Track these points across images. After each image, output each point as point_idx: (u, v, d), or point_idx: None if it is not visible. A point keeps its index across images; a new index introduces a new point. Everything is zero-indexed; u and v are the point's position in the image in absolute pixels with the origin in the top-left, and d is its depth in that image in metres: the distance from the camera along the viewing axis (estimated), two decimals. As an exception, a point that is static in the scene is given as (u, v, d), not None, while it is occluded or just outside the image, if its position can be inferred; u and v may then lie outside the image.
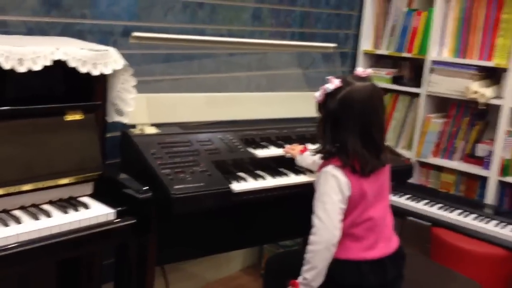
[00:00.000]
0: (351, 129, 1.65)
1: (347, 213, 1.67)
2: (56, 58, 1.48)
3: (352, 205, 1.67)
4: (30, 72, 1.43)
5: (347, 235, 1.67)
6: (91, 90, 1.63)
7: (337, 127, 1.67)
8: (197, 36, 2.15)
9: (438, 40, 3.09)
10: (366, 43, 3.39)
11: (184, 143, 1.89)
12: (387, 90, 3.33)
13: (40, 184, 1.50)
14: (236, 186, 1.80)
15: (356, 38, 3.40)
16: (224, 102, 2.18)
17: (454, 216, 2.78)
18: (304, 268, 1.65)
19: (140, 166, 1.78)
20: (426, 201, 2.93)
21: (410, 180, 3.18)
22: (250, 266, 2.99)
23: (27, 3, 1.85)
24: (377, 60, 3.47)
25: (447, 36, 3.08)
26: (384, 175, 1.77)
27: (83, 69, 1.53)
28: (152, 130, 1.93)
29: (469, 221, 2.72)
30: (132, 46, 2.05)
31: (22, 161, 1.46)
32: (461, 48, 3.03)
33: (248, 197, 1.81)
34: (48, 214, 1.43)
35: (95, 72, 1.56)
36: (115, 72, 1.65)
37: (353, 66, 3.41)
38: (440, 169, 3.17)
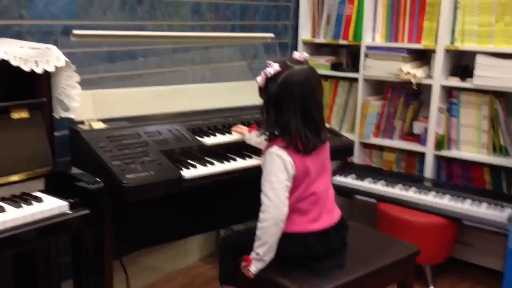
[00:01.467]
0: (292, 110, 1.74)
1: (292, 190, 1.76)
2: (-1, 57, 1.50)
3: (297, 182, 1.77)
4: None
5: (294, 210, 1.77)
6: (36, 88, 1.65)
7: (280, 110, 1.76)
8: (137, 32, 2.20)
9: (371, 27, 3.25)
10: (304, 33, 3.51)
11: (132, 136, 1.94)
12: (327, 77, 3.47)
13: (-6, 181, 1.52)
14: (187, 173, 1.87)
15: (295, 28, 3.52)
16: (169, 94, 2.24)
17: (396, 191, 2.94)
18: (256, 244, 1.74)
19: (90, 160, 1.82)
20: (370, 179, 3.09)
21: (355, 161, 3.35)
22: (208, 255, 3.06)
23: (-37, 6, 1.85)
24: (317, 49, 3.61)
25: (378, 22, 3.24)
26: (324, 152, 1.88)
27: (25, 67, 1.56)
28: (100, 125, 1.97)
29: (410, 194, 2.90)
30: (73, 44, 2.08)
31: (-30, 161, 1.48)
32: (392, 32, 3.20)
33: (198, 182, 1.88)
34: (1, 209, 1.46)
35: (38, 70, 1.59)
36: (58, 69, 1.68)
37: (294, 56, 3.52)
38: (381, 148, 3.34)
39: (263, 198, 1.73)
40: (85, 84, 2.06)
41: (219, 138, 2.12)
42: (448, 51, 2.98)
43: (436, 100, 3.03)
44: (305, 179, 1.78)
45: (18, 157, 1.58)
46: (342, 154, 2.43)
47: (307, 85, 1.78)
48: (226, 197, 2.33)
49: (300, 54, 1.86)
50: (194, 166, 1.93)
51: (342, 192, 3.13)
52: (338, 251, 1.83)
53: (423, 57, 3.18)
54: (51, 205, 1.52)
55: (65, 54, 1.78)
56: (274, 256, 1.75)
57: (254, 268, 1.74)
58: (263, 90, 1.81)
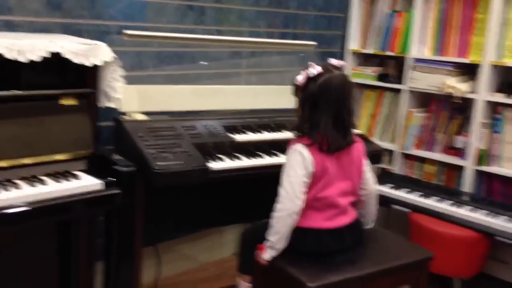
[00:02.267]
0: (326, 110, 1.87)
1: (310, 187, 1.87)
2: (52, 50, 1.73)
3: (315, 180, 1.88)
4: (33, 63, 1.69)
5: (310, 206, 1.88)
6: (86, 79, 1.87)
7: (314, 108, 1.87)
8: (181, 34, 2.39)
9: (419, 39, 3.28)
10: (353, 43, 3.60)
11: (169, 128, 2.12)
12: (373, 87, 3.54)
13: (38, 159, 1.74)
14: (214, 165, 2.03)
15: (343, 38, 3.61)
16: (209, 93, 2.41)
17: (431, 202, 2.96)
18: (269, 232, 1.86)
19: (129, 147, 2.02)
20: (406, 189, 3.12)
21: (395, 171, 3.39)
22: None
23: (32, 5, 2.11)
24: (365, 59, 3.68)
25: (427, 35, 3.28)
26: (349, 157, 1.96)
27: (76, 60, 1.78)
28: (141, 117, 2.17)
29: (444, 206, 2.90)
30: (126, 43, 2.30)
31: (23, 139, 1.71)
32: (440, 46, 3.22)
33: (224, 175, 2.04)
34: (43, 183, 1.68)
35: (87, 63, 1.81)
36: (105, 64, 1.89)
37: (342, 64, 3.61)
38: (423, 160, 3.35)
39: (280, 190, 1.84)
40: (134, 80, 2.29)
41: (250, 136, 2.27)
42: (495, 66, 2.98)
43: (479, 114, 3.03)
44: (323, 178, 1.88)
45: (64, 139, 1.80)
46: (370, 159, 2.50)
47: (343, 90, 1.90)
48: (260, 192, 2.46)
49: (337, 60, 1.97)
50: (222, 160, 2.09)
51: (379, 201, 3.18)
52: (350, 248, 1.92)
53: (470, 72, 3.17)
54: (86, 183, 1.73)
55: (117, 51, 2.00)
56: (286, 245, 1.86)
57: (267, 255, 1.87)
58: (300, 89, 1.92)
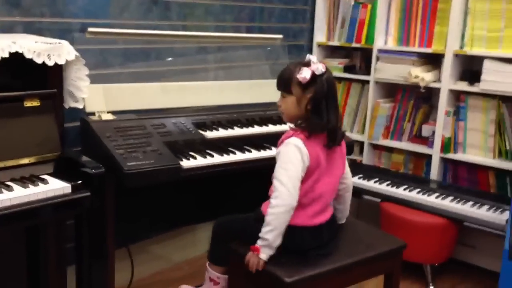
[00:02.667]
0: (331, 106, 1.88)
1: (302, 182, 1.85)
2: (13, 50, 1.66)
3: (308, 174, 1.87)
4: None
5: (298, 204, 1.86)
6: (48, 79, 1.81)
7: (322, 104, 1.87)
8: (145, 31, 2.35)
9: (384, 30, 3.32)
10: (319, 36, 3.61)
11: (138, 127, 2.08)
12: (340, 79, 3.56)
13: (3, 163, 1.68)
14: (185, 163, 2.00)
15: (311, 31, 3.62)
16: (177, 90, 2.38)
17: (400, 191, 3.00)
18: (265, 229, 1.81)
19: (98, 149, 1.97)
20: (376, 179, 3.16)
21: (364, 162, 3.43)
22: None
23: (-12, 4, 2.03)
24: (332, 51, 3.70)
25: (391, 26, 3.31)
26: (338, 151, 1.98)
27: (38, 60, 1.72)
28: (109, 117, 2.12)
29: (413, 195, 2.95)
30: (90, 41, 2.24)
31: (-14, 143, 1.65)
32: (404, 36, 3.26)
33: (196, 172, 2.01)
34: (9, 189, 1.62)
35: (50, 63, 1.75)
36: (69, 63, 1.84)
37: (308, 57, 3.62)
38: (391, 150, 3.40)
39: (277, 185, 1.80)
40: (99, 79, 2.23)
41: (221, 132, 2.24)
42: (457, 55, 3.04)
43: (443, 103, 3.08)
44: (315, 173, 1.88)
45: (29, 142, 1.74)
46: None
47: (335, 85, 1.96)
48: (234, 187, 2.45)
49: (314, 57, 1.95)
50: (194, 157, 2.06)
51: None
52: (327, 243, 1.93)
53: (434, 61, 3.23)
54: (54, 186, 1.68)
55: (81, 50, 1.95)
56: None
57: (264, 255, 1.82)
58: (301, 85, 1.87)
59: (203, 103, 2.43)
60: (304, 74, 1.86)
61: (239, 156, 2.15)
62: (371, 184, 3.13)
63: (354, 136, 3.52)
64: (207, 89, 2.46)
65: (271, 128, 2.37)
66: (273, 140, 2.05)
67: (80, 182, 1.74)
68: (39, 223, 1.84)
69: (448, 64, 3.04)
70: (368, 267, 1.93)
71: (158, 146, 2.00)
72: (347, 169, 2.08)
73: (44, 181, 1.71)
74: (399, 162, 3.40)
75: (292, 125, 1.93)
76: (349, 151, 2.59)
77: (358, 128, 3.56)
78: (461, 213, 2.80)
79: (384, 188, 3.08)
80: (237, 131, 2.29)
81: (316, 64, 1.88)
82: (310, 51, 3.63)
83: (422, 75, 3.10)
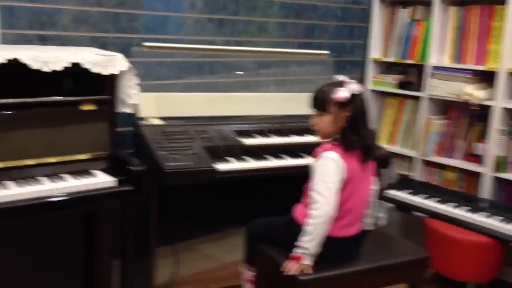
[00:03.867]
0: (367, 123, 2.03)
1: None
2: (73, 61, 1.93)
3: (344, 187, 1.97)
4: (57, 73, 1.90)
5: None
6: (104, 87, 2.07)
7: (363, 121, 2.01)
8: (198, 45, 2.57)
9: (438, 47, 3.34)
10: (374, 52, 3.68)
11: (183, 132, 2.29)
12: (394, 95, 3.61)
13: (60, 158, 1.95)
14: (221, 166, 2.18)
15: (365, 47, 3.70)
16: (223, 100, 2.57)
17: (447, 208, 2.99)
18: (305, 239, 1.91)
19: (145, 150, 2.20)
20: (424, 195, 3.16)
21: (416, 178, 3.44)
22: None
23: (61, 21, 2.34)
24: (388, 67, 3.75)
25: (446, 44, 3.32)
26: (369, 166, 2.08)
27: (94, 70, 1.98)
28: (158, 122, 2.35)
29: (459, 212, 2.93)
30: (147, 55, 2.50)
31: (47, 140, 1.92)
32: (459, 54, 3.26)
33: (230, 175, 2.19)
34: (64, 179, 1.88)
35: (105, 72, 2.01)
36: (122, 73, 2.08)
37: (363, 73, 3.72)
38: (443, 167, 3.39)
39: (317, 197, 1.91)
40: (154, 88, 2.48)
41: (259, 140, 2.41)
42: (511, 74, 3.00)
43: (497, 121, 3.05)
44: (349, 185, 1.99)
45: (83, 141, 2.00)
46: (379, 164, 2.59)
47: None
48: (283, 192, 2.57)
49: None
50: (230, 161, 2.24)
51: (398, 206, 3.25)
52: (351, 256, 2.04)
53: (489, 79, 3.19)
54: (101, 180, 1.92)
55: (137, 62, 2.20)
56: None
57: (308, 261, 1.93)
58: (338, 104, 1.98)
59: (247, 113, 2.60)
60: (343, 93, 1.97)
61: (272, 163, 2.30)
62: (419, 200, 3.13)
63: (407, 152, 3.55)
64: (252, 100, 2.64)
65: (307, 138, 2.49)
66: (309, 149, 2.18)
67: (124, 177, 1.96)
68: (87, 211, 2.09)
69: (501, 82, 3.01)
70: (388, 274, 1.99)
71: (198, 150, 2.20)
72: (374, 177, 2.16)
73: (93, 175, 1.96)
74: (452, 180, 3.37)
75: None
76: (384, 163, 2.65)
77: (411, 145, 3.57)
78: (507, 233, 2.74)
79: (431, 204, 3.07)
80: (274, 139, 2.44)
81: (352, 84, 2.00)
82: (364, 66, 3.71)
83: (475, 93, 3.08)
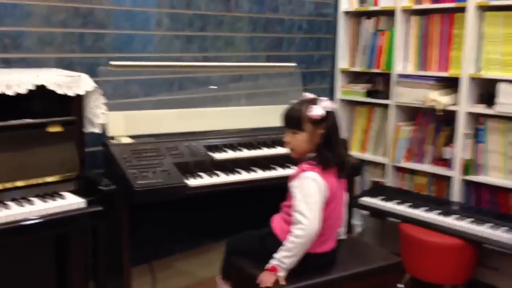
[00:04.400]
0: (339, 139, 2.07)
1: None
2: (38, 83, 1.92)
3: (325, 205, 2.00)
4: (21, 95, 1.89)
5: None
6: (70, 108, 2.06)
7: (336, 139, 2.04)
8: (163, 62, 2.58)
9: (403, 56, 3.42)
10: (342, 62, 3.75)
11: (152, 150, 2.30)
12: (363, 103, 3.67)
13: (29, 181, 1.93)
14: (192, 182, 2.19)
15: (333, 58, 3.77)
16: (193, 116, 2.59)
17: (419, 213, 3.04)
18: (283, 254, 1.93)
19: (115, 168, 2.19)
20: (396, 201, 3.21)
21: (388, 184, 3.49)
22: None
23: (25, 43, 2.33)
24: (356, 77, 3.82)
25: (410, 52, 3.41)
26: (342, 180, 2.11)
27: (60, 91, 1.97)
28: (127, 140, 2.35)
29: (431, 216, 2.98)
30: (115, 73, 2.50)
31: (14, 164, 1.90)
32: (422, 61, 3.34)
33: (202, 191, 2.19)
34: (31, 203, 1.86)
35: (70, 93, 2.00)
36: (88, 93, 2.08)
37: (332, 83, 3.78)
38: (413, 172, 3.45)
39: (300, 218, 1.92)
40: (122, 107, 2.47)
41: (230, 154, 2.42)
42: (473, 79, 3.08)
43: (461, 125, 3.12)
44: (332, 203, 2.02)
45: (52, 163, 1.98)
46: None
47: None
48: (263, 204, 2.58)
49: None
50: (201, 177, 2.24)
51: (372, 213, 3.30)
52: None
53: (453, 85, 3.27)
54: (70, 201, 1.90)
55: (105, 82, 2.20)
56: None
57: (282, 273, 1.95)
58: (312, 121, 2.00)
59: (217, 128, 2.61)
60: (318, 111, 1.99)
61: (244, 176, 2.31)
62: (392, 205, 3.18)
63: (378, 158, 3.60)
64: (222, 114, 2.66)
65: (279, 150, 2.52)
66: (281, 161, 2.19)
67: (94, 198, 1.95)
68: (58, 234, 2.07)
69: (464, 87, 3.09)
70: (361, 281, 2.01)
71: (168, 167, 2.20)
72: None
73: (62, 197, 1.94)
74: (423, 184, 3.43)
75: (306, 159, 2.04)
76: (356, 171, 2.70)
77: (382, 152, 3.63)
78: (479, 235, 2.80)
79: (403, 209, 3.12)
80: (245, 153, 2.46)
81: (325, 101, 2.03)
82: (333, 77, 3.77)
83: (439, 99, 3.16)
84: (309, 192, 1.94)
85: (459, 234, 2.84)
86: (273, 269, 1.94)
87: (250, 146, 2.55)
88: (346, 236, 2.30)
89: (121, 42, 2.64)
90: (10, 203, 1.86)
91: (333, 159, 2.02)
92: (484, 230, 2.79)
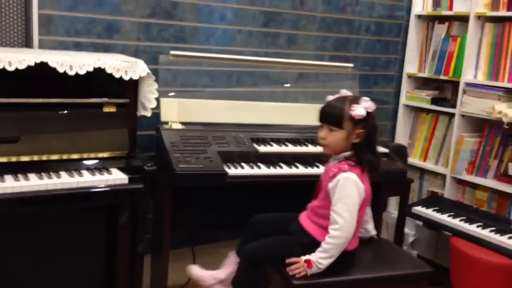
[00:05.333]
0: (377, 142, 2.08)
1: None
2: (97, 66, 2.09)
3: (360, 206, 2.02)
4: (82, 76, 2.06)
5: None
6: (125, 91, 2.22)
7: (375, 140, 2.07)
8: (227, 55, 2.68)
9: (473, 64, 3.29)
10: (410, 67, 3.67)
11: (200, 137, 2.40)
12: (427, 110, 3.58)
13: (82, 155, 2.11)
14: (232, 171, 2.27)
15: (401, 62, 3.70)
16: (244, 108, 2.67)
17: (471, 228, 2.93)
18: (322, 255, 1.95)
19: (162, 152, 2.33)
20: (451, 213, 3.11)
21: (446, 196, 3.39)
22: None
23: (95, 29, 2.53)
24: (424, 83, 3.73)
25: (481, 60, 3.27)
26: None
27: (117, 75, 2.13)
28: (178, 126, 2.48)
29: (483, 232, 2.87)
30: (177, 63, 2.64)
31: (71, 138, 2.09)
32: (494, 71, 3.20)
33: (240, 180, 2.27)
34: (81, 175, 2.03)
35: (126, 77, 2.16)
36: (142, 78, 2.23)
37: (399, 87, 3.72)
38: (475, 186, 3.32)
39: (337, 218, 1.94)
40: (179, 95, 2.61)
41: (274, 148, 2.48)
42: (545, 92, 2.92)
43: (528, 141, 2.97)
44: (364, 205, 2.05)
45: (105, 140, 2.15)
46: (392, 179, 2.61)
47: None
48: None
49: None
50: (242, 167, 2.32)
51: (426, 224, 3.23)
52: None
53: (526, 98, 3.12)
54: (115, 177, 2.06)
55: (164, 70, 2.35)
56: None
57: (313, 271, 1.96)
58: (354, 121, 2.00)
59: (267, 122, 2.68)
60: (360, 111, 2.00)
61: (284, 170, 2.36)
62: (443, 218, 3.09)
63: (439, 169, 3.51)
64: (273, 109, 2.71)
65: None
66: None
67: (137, 176, 2.09)
68: (101, 205, 2.23)
69: (534, 101, 2.93)
70: (384, 286, 2.00)
71: (212, 154, 2.30)
72: None
73: (109, 172, 2.10)
74: (483, 200, 3.30)
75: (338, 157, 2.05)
76: (401, 178, 2.66)
77: (443, 161, 3.52)
78: (530, 256, 2.66)
79: (456, 222, 3.02)
80: (290, 148, 2.50)
81: (367, 102, 2.03)
82: (399, 81, 3.71)
83: (506, 111, 3.01)
84: (349, 194, 1.95)
85: (509, 254, 2.72)
86: (309, 265, 1.95)
87: (296, 142, 2.59)
88: (375, 231, 2.28)
89: (184, 34, 2.78)
90: (62, 173, 2.04)
91: (374, 161, 2.02)
92: (536, 252, 2.65)
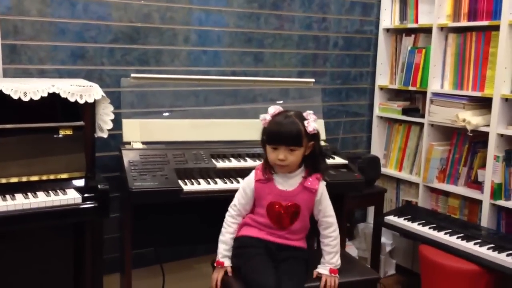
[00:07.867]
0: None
1: None
2: (51, 91, 2.20)
3: None
4: (37, 102, 2.16)
5: None
6: (81, 114, 2.32)
7: (321, 147, 2.21)
8: (183, 76, 2.78)
9: (439, 74, 3.35)
10: (382, 79, 3.73)
11: (160, 155, 2.48)
12: (400, 121, 3.63)
13: (39, 177, 2.20)
14: (188, 187, 2.34)
15: (373, 75, 3.77)
16: (205, 126, 2.74)
17: (439, 235, 2.97)
18: (336, 257, 2.13)
19: (122, 171, 2.41)
20: (420, 221, 3.14)
21: (421, 204, 3.43)
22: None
23: (58, 56, 2.64)
24: (396, 94, 3.78)
25: (446, 70, 3.33)
26: None
27: (72, 99, 2.23)
28: (139, 146, 2.57)
29: (451, 239, 2.90)
30: (140, 85, 2.73)
31: (27, 162, 2.18)
32: (459, 80, 3.25)
33: (195, 195, 2.34)
34: (36, 196, 2.12)
35: (81, 101, 2.25)
36: (98, 101, 2.32)
37: (372, 100, 3.78)
38: (447, 194, 3.35)
39: (333, 220, 2.18)
40: (140, 115, 2.70)
41: (233, 163, 2.55)
42: (506, 100, 2.96)
43: (492, 147, 3.00)
44: None
45: (62, 162, 2.24)
46: (352, 189, 2.67)
47: None
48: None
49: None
50: (198, 183, 2.40)
51: (401, 233, 3.28)
52: None
53: (488, 106, 3.16)
54: (69, 197, 2.14)
55: (127, 92, 2.46)
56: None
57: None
58: (308, 136, 2.09)
59: (228, 138, 2.75)
60: (313, 125, 2.08)
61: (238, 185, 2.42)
62: (414, 226, 3.12)
63: (413, 178, 3.54)
64: (234, 125, 2.79)
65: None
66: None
67: (91, 195, 2.17)
68: (56, 224, 2.30)
69: (496, 108, 2.97)
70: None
71: (168, 172, 2.38)
72: None
73: (64, 193, 2.19)
74: (455, 207, 3.33)
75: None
76: (358, 189, 2.71)
77: (416, 170, 3.56)
78: (496, 262, 2.69)
79: (425, 230, 3.06)
80: (248, 163, 2.57)
81: (311, 114, 2.12)
82: (372, 93, 3.77)
83: (470, 119, 3.06)
84: (328, 196, 2.19)
85: (476, 260, 2.75)
86: (334, 272, 2.09)
87: (256, 156, 2.65)
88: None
89: (148, 56, 2.88)
90: (17, 195, 2.13)
91: (328, 166, 2.22)
92: (502, 258, 2.67)
